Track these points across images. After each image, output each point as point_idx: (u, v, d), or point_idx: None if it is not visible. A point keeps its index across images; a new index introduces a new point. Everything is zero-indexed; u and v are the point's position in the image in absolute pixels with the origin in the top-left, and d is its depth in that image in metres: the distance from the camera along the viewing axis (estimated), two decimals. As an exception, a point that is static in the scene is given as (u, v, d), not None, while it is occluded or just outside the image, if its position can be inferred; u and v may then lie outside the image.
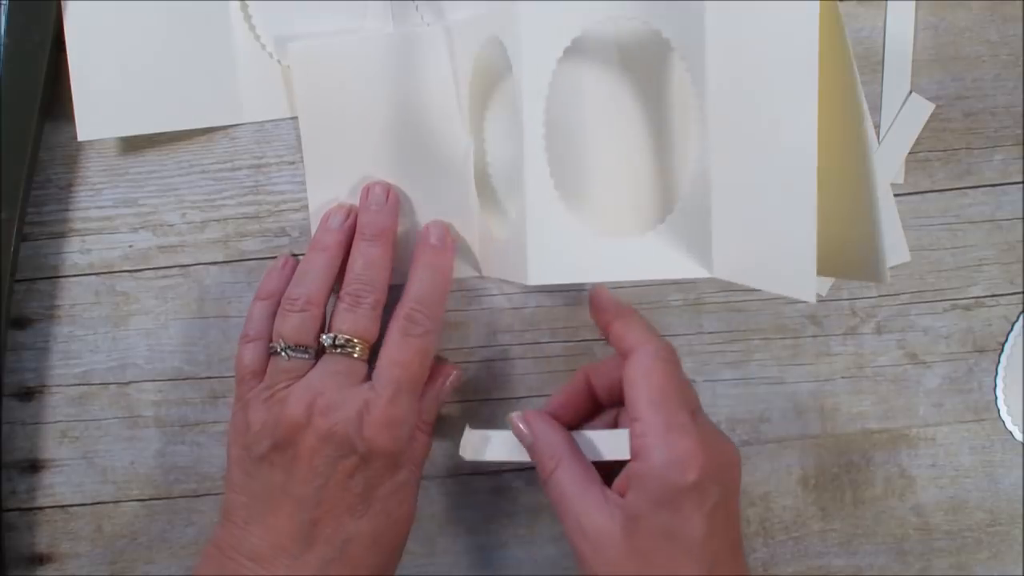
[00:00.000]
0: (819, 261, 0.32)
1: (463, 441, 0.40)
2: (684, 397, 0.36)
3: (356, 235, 0.41)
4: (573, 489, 0.36)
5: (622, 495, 0.35)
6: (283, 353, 0.39)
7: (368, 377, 0.39)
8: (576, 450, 0.37)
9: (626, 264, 0.37)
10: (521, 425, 0.38)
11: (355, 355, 0.38)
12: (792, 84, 0.31)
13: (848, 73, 0.31)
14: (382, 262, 0.40)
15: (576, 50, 0.41)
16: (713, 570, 0.34)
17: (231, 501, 0.38)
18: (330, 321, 0.40)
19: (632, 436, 0.35)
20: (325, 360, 0.39)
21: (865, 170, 0.31)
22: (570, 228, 0.37)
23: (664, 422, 0.34)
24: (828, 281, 0.45)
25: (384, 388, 0.37)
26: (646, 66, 0.42)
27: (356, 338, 0.38)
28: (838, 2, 0.31)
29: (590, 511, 0.35)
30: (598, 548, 0.35)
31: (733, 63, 0.34)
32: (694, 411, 0.36)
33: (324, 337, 0.39)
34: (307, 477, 0.36)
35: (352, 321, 0.39)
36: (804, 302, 0.45)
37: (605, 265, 0.37)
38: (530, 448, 0.38)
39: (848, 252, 0.33)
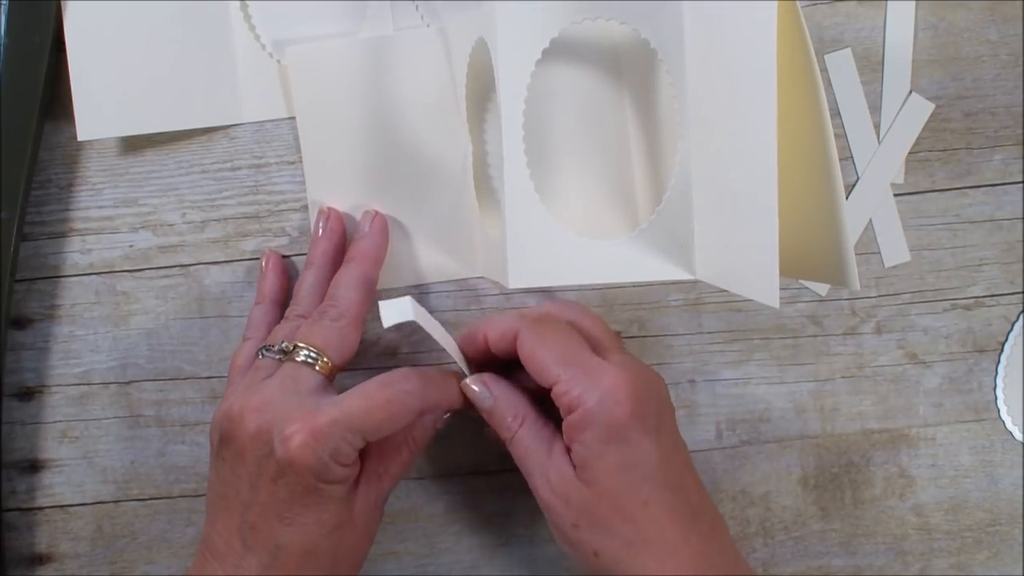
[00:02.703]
0: (791, 264, 0.32)
1: (384, 311, 0.35)
2: (582, 343, 0.36)
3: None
4: (538, 446, 0.36)
5: (569, 449, 0.35)
6: (260, 353, 0.39)
7: (322, 390, 0.37)
8: (537, 408, 0.38)
9: (609, 266, 0.37)
10: (477, 387, 0.38)
11: (315, 367, 0.37)
12: (753, 86, 0.31)
13: (810, 75, 0.31)
14: (352, 280, 0.40)
15: (564, 52, 0.41)
16: (678, 491, 0.35)
17: (206, 496, 0.38)
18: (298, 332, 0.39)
19: (557, 397, 0.35)
20: (283, 366, 0.38)
21: (830, 174, 0.31)
22: (551, 231, 0.37)
23: (581, 370, 0.35)
24: (828, 281, 0.45)
25: (332, 407, 0.35)
26: (639, 68, 0.42)
27: (313, 347, 0.37)
28: (800, 3, 0.31)
29: (557, 465, 0.36)
30: (568, 499, 0.35)
31: (707, 65, 0.34)
32: (605, 349, 0.37)
33: (277, 343, 0.38)
34: (244, 475, 0.36)
35: (308, 332, 0.38)
36: (803, 302, 0.45)
37: (587, 268, 0.37)
38: (489, 410, 0.38)
39: (817, 256, 0.33)
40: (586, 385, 0.34)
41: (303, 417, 0.35)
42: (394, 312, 0.35)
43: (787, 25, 0.31)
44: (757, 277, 0.32)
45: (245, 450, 0.36)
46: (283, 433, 0.35)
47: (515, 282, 0.37)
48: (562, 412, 0.35)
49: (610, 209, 0.43)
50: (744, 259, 0.33)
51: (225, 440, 0.36)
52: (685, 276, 0.36)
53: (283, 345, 0.38)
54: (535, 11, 0.36)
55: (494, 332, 0.38)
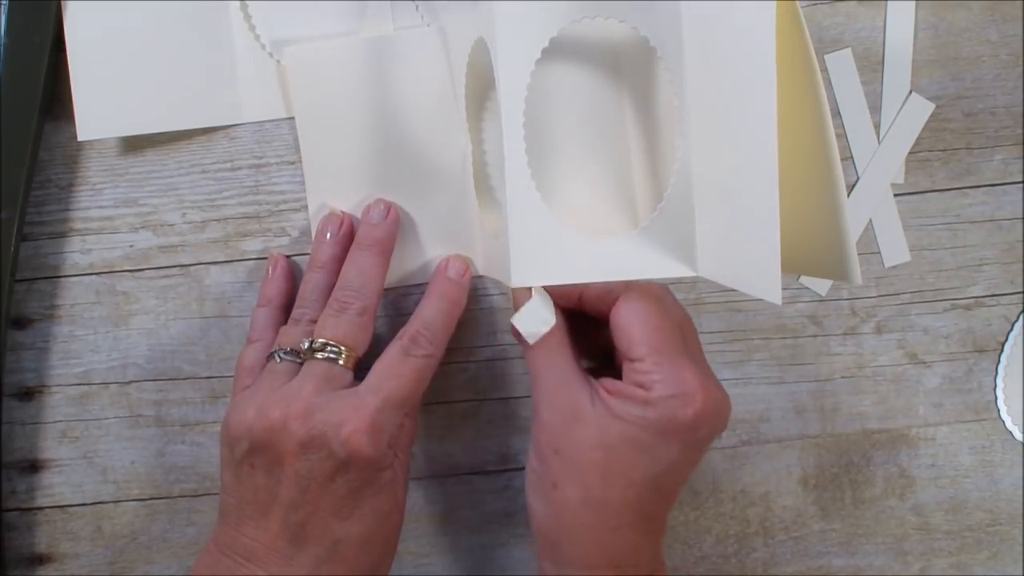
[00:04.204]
0: (792, 260, 0.32)
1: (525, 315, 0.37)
2: (679, 337, 0.36)
3: (352, 245, 0.41)
4: (561, 358, 0.37)
5: (610, 394, 0.35)
6: (276, 356, 0.39)
7: (352, 385, 0.38)
8: (567, 327, 0.37)
9: (611, 264, 0.37)
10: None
11: (339, 361, 0.38)
12: (753, 83, 0.31)
13: (810, 73, 0.31)
14: (373, 270, 0.40)
15: (564, 51, 0.41)
16: (655, 491, 0.36)
17: (223, 502, 0.38)
18: (315, 326, 0.39)
19: (631, 371, 0.35)
20: (307, 365, 0.38)
21: (830, 170, 0.31)
22: (553, 229, 0.37)
23: (668, 360, 0.35)
24: (828, 280, 0.45)
25: (372, 396, 0.37)
26: (639, 67, 0.42)
27: (338, 343, 0.38)
28: (800, 3, 0.31)
29: (572, 385, 0.36)
30: (569, 424, 0.36)
31: (707, 63, 0.34)
32: (691, 352, 0.36)
33: (304, 341, 0.38)
34: (289, 481, 0.36)
35: (334, 326, 0.39)
36: (803, 302, 0.45)
37: (589, 265, 0.37)
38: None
39: (818, 252, 0.33)
40: (667, 377, 0.34)
41: (355, 415, 0.36)
42: (533, 321, 0.37)
43: (786, 23, 0.31)
44: (759, 274, 0.32)
45: (288, 455, 0.36)
46: (341, 435, 0.36)
47: (518, 280, 0.37)
48: (625, 381, 0.36)
49: (611, 208, 0.43)
50: (746, 256, 0.33)
51: (259, 448, 0.37)
52: (687, 273, 0.36)
53: (311, 343, 0.38)
54: (534, 11, 0.36)
55: (593, 289, 0.37)
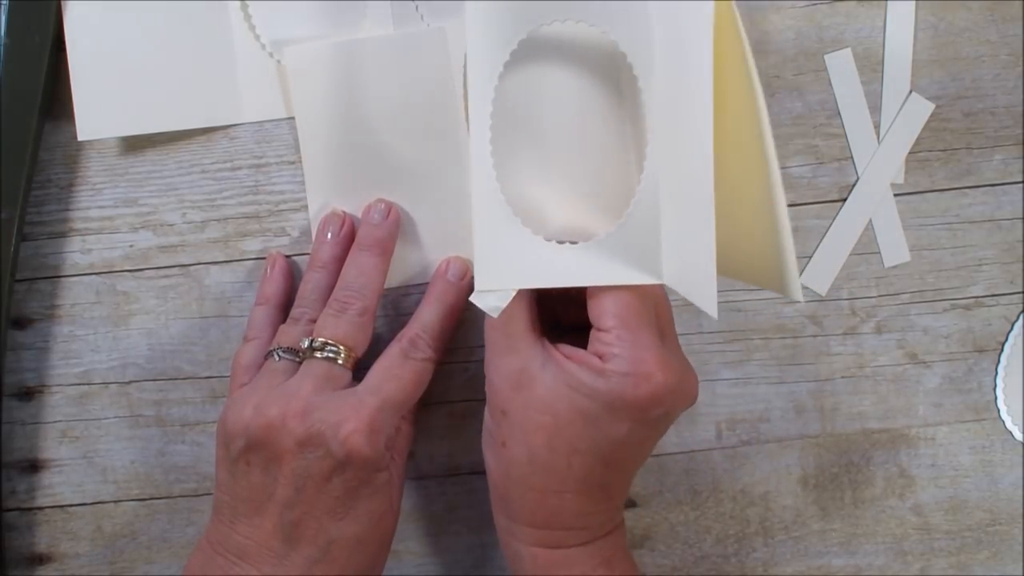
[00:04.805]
0: (739, 269, 0.32)
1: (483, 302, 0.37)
2: (651, 315, 0.36)
3: (353, 245, 0.41)
4: (514, 320, 0.36)
5: (567, 358, 0.35)
6: (275, 355, 0.39)
7: (350, 386, 0.39)
8: (533, 293, 0.37)
9: (576, 270, 0.36)
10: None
11: (338, 361, 0.38)
12: (692, 87, 0.31)
13: (747, 75, 0.31)
14: (374, 271, 0.40)
15: (563, 52, 0.41)
16: (604, 464, 0.36)
17: (217, 499, 0.38)
18: (315, 326, 0.39)
19: (597, 340, 0.35)
20: (306, 364, 0.38)
21: (766, 179, 0.31)
22: (518, 234, 0.36)
23: (633, 337, 0.34)
24: (828, 280, 0.45)
25: (372, 396, 0.37)
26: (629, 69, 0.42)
27: (338, 343, 0.38)
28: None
29: (521, 348, 0.36)
30: (516, 387, 0.36)
31: (667, 67, 0.34)
32: (664, 332, 0.36)
33: (304, 340, 0.39)
34: (286, 479, 0.36)
35: (334, 326, 0.39)
36: (803, 302, 0.45)
37: (555, 271, 0.37)
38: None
39: (761, 263, 0.33)
40: (627, 353, 0.34)
41: (354, 415, 0.36)
42: (492, 295, 0.36)
43: (724, 26, 0.31)
44: (700, 283, 0.32)
45: (286, 454, 0.36)
46: (340, 435, 0.36)
47: (481, 284, 0.37)
48: (588, 349, 0.35)
49: (608, 208, 0.43)
50: (690, 264, 0.33)
51: (255, 446, 0.37)
52: (652, 281, 0.36)
53: (310, 342, 0.38)
54: (503, 11, 0.36)
55: None
